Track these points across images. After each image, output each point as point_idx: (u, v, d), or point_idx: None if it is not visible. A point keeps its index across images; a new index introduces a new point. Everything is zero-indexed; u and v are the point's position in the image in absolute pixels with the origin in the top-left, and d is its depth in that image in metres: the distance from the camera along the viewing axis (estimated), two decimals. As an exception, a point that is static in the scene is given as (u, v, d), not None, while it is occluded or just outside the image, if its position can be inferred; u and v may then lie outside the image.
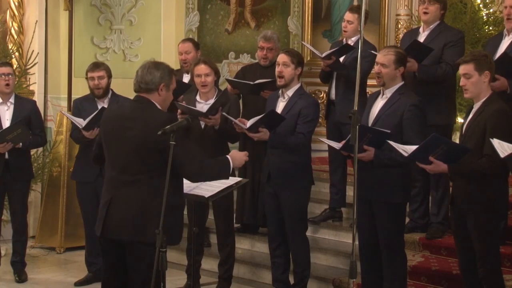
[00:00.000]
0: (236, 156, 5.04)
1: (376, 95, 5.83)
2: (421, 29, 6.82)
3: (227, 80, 7.34)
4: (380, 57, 5.71)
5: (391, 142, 5.26)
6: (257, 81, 7.02)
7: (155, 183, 4.68)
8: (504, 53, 6.11)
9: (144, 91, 4.82)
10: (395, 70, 5.65)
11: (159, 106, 4.82)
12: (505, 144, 4.83)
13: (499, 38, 6.45)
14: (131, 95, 5.06)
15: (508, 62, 6.01)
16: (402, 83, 5.71)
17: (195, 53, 7.50)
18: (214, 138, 6.42)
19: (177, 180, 4.79)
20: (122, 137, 4.77)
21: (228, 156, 4.99)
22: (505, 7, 6.30)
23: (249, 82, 7.08)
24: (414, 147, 5.14)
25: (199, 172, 4.79)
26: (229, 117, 6.20)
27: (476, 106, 5.24)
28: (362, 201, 5.59)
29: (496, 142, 4.83)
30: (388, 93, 5.69)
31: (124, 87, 6.94)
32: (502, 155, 4.78)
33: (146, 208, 4.68)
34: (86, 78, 7.01)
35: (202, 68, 6.46)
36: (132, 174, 4.72)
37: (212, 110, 6.29)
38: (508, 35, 6.30)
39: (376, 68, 5.70)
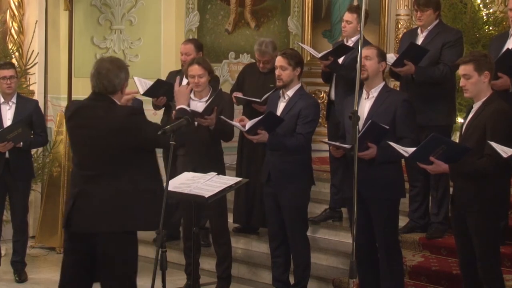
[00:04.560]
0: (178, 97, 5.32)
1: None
2: (419, 30, 6.82)
3: (235, 97, 7.32)
4: (364, 51, 5.76)
5: (392, 144, 5.28)
6: (264, 97, 7.02)
7: (129, 174, 4.71)
8: (507, 50, 6.09)
9: (109, 93, 4.81)
10: (378, 63, 5.72)
11: (119, 103, 4.86)
12: (505, 147, 4.86)
13: (504, 37, 6.43)
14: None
15: (511, 59, 6.00)
16: (384, 83, 5.77)
17: (195, 55, 7.32)
18: (208, 138, 6.41)
19: (154, 168, 4.84)
20: (88, 136, 4.76)
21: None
22: (510, 9, 6.30)
23: (257, 99, 7.10)
24: (414, 148, 5.16)
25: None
26: (228, 120, 6.17)
27: (476, 106, 5.24)
28: (358, 200, 5.58)
29: (494, 144, 4.85)
30: (374, 92, 5.73)
31: (124, 87, 6.93)
32: (504, 156, 4.80)
33: (122, 198, 4.69)
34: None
35: (195, 69, 6.44)
36: (104, 168, 4.73)
37: (207, 110, 6.28)
38: None
39: None
